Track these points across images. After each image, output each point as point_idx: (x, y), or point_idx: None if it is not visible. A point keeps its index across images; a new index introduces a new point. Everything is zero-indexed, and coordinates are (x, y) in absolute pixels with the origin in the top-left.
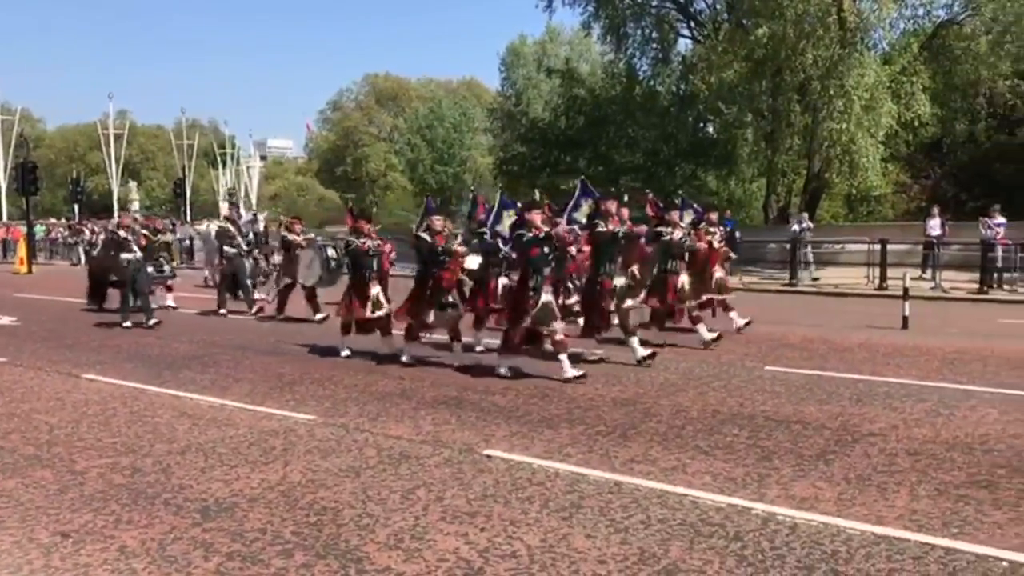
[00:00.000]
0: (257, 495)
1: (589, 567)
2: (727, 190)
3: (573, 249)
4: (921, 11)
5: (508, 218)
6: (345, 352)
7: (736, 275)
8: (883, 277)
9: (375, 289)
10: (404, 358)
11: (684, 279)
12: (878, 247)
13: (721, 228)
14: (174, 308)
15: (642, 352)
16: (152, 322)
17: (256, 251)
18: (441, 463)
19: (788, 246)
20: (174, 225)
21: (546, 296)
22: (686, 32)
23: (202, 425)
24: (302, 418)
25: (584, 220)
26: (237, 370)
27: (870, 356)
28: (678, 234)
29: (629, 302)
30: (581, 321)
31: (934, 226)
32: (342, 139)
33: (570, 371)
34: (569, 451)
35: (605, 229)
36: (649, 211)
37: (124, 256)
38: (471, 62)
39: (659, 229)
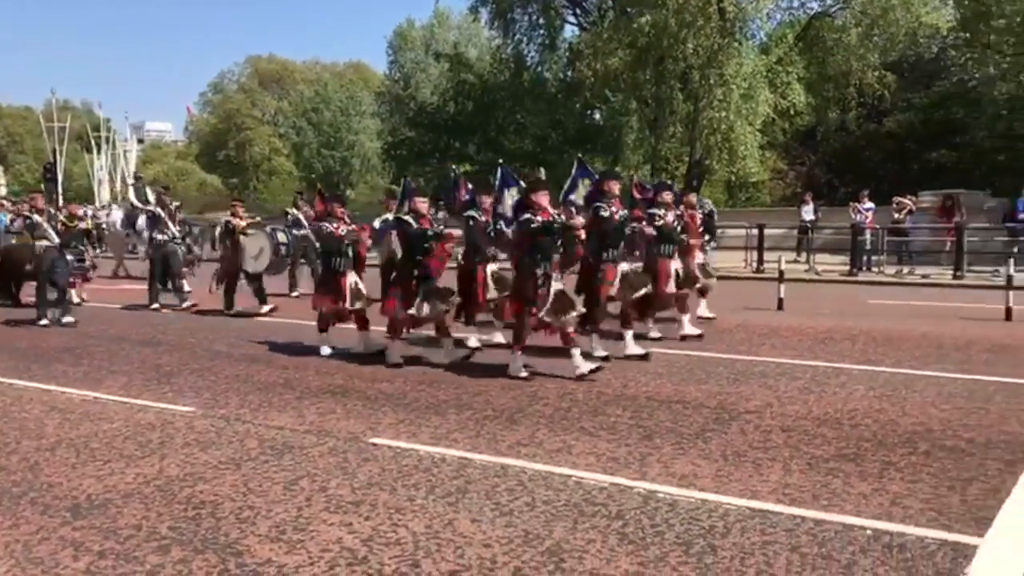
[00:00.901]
0: (132, 491)
1: (474, 551)
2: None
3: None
4: (796, 3)
5: (511, 198)
6: (326, 350)
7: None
8: (760, 260)
9: (351, 278)
10: (393, 359)
11: (678, 264)
12: (756, 232)
13: (699, 212)
14: (81, 302)
15: (637, 349)
16: (67, 319)
17: (187, 239)
18: (325, 453)
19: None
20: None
21: (557, 284)
22: (572, 19)
23: (74, 419)
24: (180, 410)
25: (582, 202)
26: (112, 362)
27: (747, 337)
28: (671, 217)
29: (643, 291)
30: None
31: (808, 211)
32: (224, 122)
33: (585, 365)
34: (456, 437)
35: (610, 212)
36: (636, 194)
37: (40, 244)
38: (358, 45)
39: (652, 212)
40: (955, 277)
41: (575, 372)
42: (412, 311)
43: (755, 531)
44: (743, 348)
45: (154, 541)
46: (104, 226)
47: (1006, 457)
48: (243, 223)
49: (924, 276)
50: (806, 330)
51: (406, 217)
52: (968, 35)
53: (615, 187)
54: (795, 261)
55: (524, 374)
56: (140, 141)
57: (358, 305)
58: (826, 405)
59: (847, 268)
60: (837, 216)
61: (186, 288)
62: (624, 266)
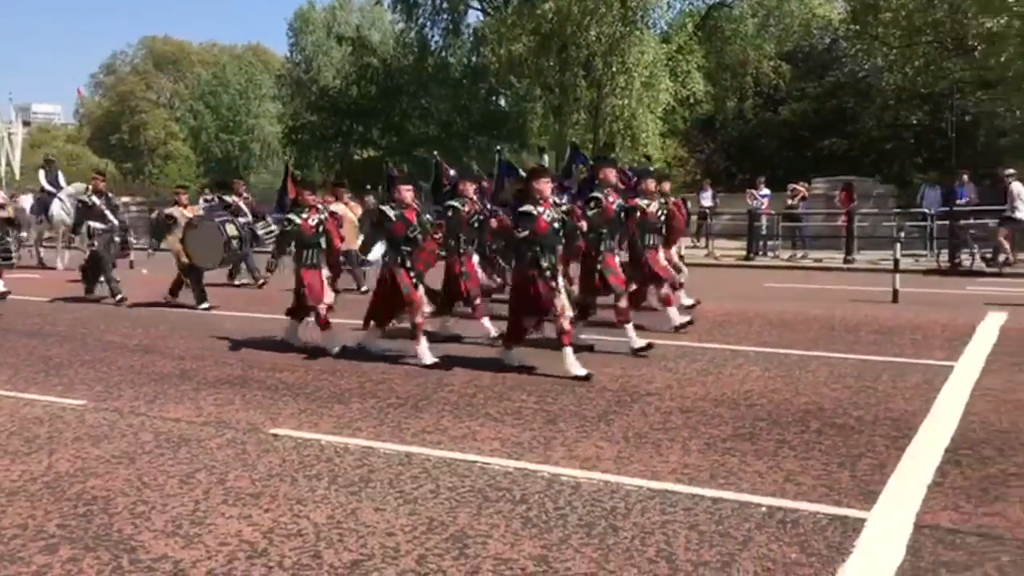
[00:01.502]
0: (17, 488)
1: (377, 540)
2: (519, 163)
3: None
4: None
5: (511, 187)
6: (298, 343)
7: None
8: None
9: (324, 271)
10: (372, 347)
11: (662, 255)
12: None
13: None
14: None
15: (640, 342)
16: None
17: (124, 230)
18: (224, 444)
19: None
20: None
21: (562, 279)
22: (476, 4)
23: None
24: (71, 403)
25: (576, 189)
26: None
27: (649, 321)
28: (654, 206)
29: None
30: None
31: (707, 198)
32: (117, 105)
33: (578, 368)
34: (360, 425)
35: (607, 201)
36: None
37: None
38: (257, 27)
39: (635, 201)
40: (846, 261)
41: (569, 371)
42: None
43: (655, 511)
44: (644, 332)
45: (41, 540)
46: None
47: (892, 434)
48: (188, 214)
49: (817, 260)
50: (705, 313)
51: (388, 209)
52: (858, 27)
53: (612, 175)
54: (694, 246)
55: (516, 363)
56: (26, 124)
57: (329, 299)
58: (724, 386)
59: (744, 253)
60: (735, 202)
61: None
62: (620, 256)
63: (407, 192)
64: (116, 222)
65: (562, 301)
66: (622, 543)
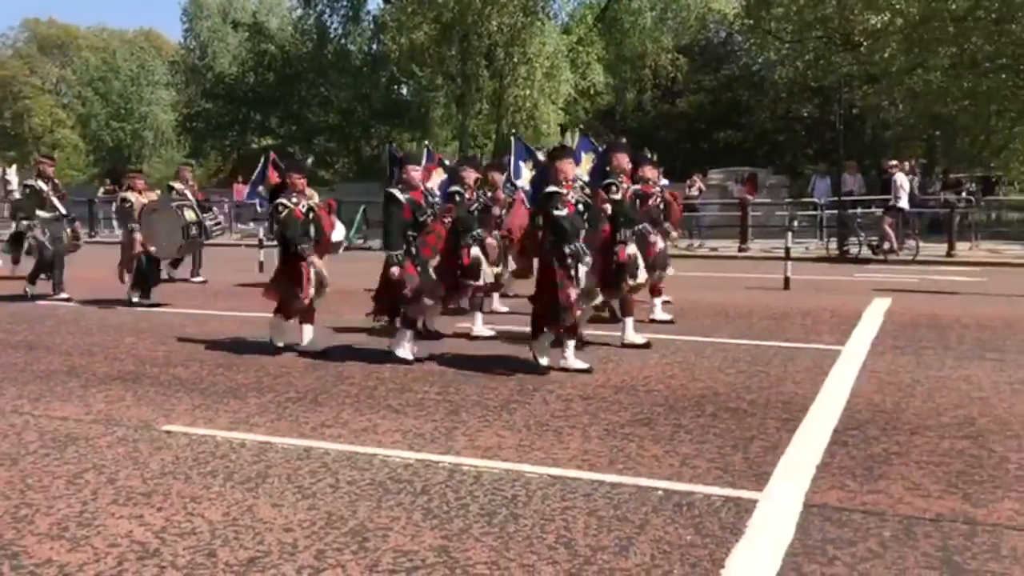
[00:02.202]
0: None
1: (274, 536)
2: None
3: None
4: None
5: (528, 171)
6: (280, 344)
7: None
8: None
9: (316, 263)
10: (401, 352)
11: (662, 245)
12: None
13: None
14: None
15: (638, 338)
16: None
17: (74, 218)
18: (114, 443)
19: None
20: None
21: (584, 267)
22: None
23: None
24: None
25: (587, 178)
26: None
27: None
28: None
29: (643, 276)
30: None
31: None
32: None
33: (577, 362)
34: (256, 421)
35: (621, 190)
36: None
37: None
38: (149, 12)
39: (651, 188)
40: (740, 250)
41: (565, 364)
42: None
43: (555, 497)
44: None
45: None
46: None
47: (783, 416)
48: (144, 200)
49: (713, 249)
50: (607, 302)
51: (396, 191)
52: (751, 22)
53: (624, 161)
54: None
55: (544, 361)
56: None
57: (322, 295)
58: (623, 373)
59: None
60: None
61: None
62: (631, 249)
63: (415, 172)
64: (63, 211)
65: (578, 292)
66: (522, 531)
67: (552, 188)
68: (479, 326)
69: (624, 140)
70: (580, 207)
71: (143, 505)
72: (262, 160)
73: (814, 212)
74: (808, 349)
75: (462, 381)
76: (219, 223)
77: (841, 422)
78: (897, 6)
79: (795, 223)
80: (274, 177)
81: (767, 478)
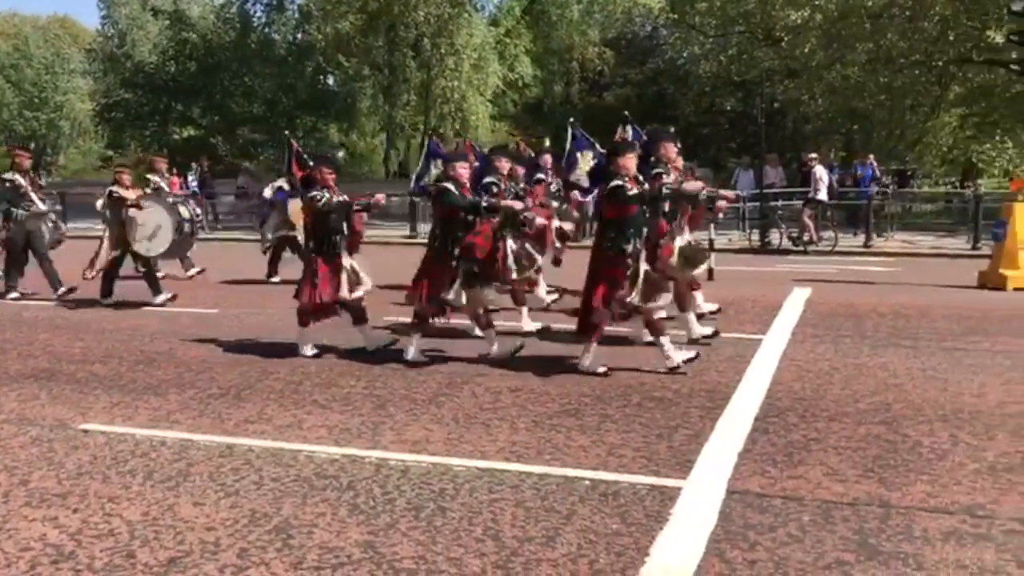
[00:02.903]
0: None
1: (196, 535)
2: (350, 143)
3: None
4: None
5: (585, 162)
6: (310, 351)
7: None
8: (412, 226)
9: (346, 260)
10: (409, 356)
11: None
12: None
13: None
14: None
15: (704, 330)
16: None
17: (54, 213)
18: (27, 443)
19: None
20: None
21: (644, 264)
22: None
23: None
24: None
25: (587, 180)
26: None
27: None
28: (669, 178)
29: (703, 266)
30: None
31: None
32: None
33: (678, 355)
34: (178, 417)
35: (672, 180)
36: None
37: None
38: None
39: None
40: None
41: (668, 364)
42: (450, 297)
43: (483, 490)
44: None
45: None
46: None
47: (707, 405)
48: (132, 194)
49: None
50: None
51: (448, 186)
52: (676, 16)
53: (672, 151)
54: None
55: (602, 369)
56: None
57: (359, 292)
58: (552, 365)
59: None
60: None
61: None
62: (680, 240)
63: (463, 170)
64: (43, 207)
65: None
66: (450, 524)
67: (617, 182)
68: (526, 321)
69: (672, 128)
70: (644, 205)
71: (58, 507)
72: (285, 153)
73: (737, 204)
74: (731, 339)
75: (389, 375)
76: (199, 219)
77: (762, 410)
78: (816, 2)
79: (719, 215)
80: (297, 170)
81: (691, 466)
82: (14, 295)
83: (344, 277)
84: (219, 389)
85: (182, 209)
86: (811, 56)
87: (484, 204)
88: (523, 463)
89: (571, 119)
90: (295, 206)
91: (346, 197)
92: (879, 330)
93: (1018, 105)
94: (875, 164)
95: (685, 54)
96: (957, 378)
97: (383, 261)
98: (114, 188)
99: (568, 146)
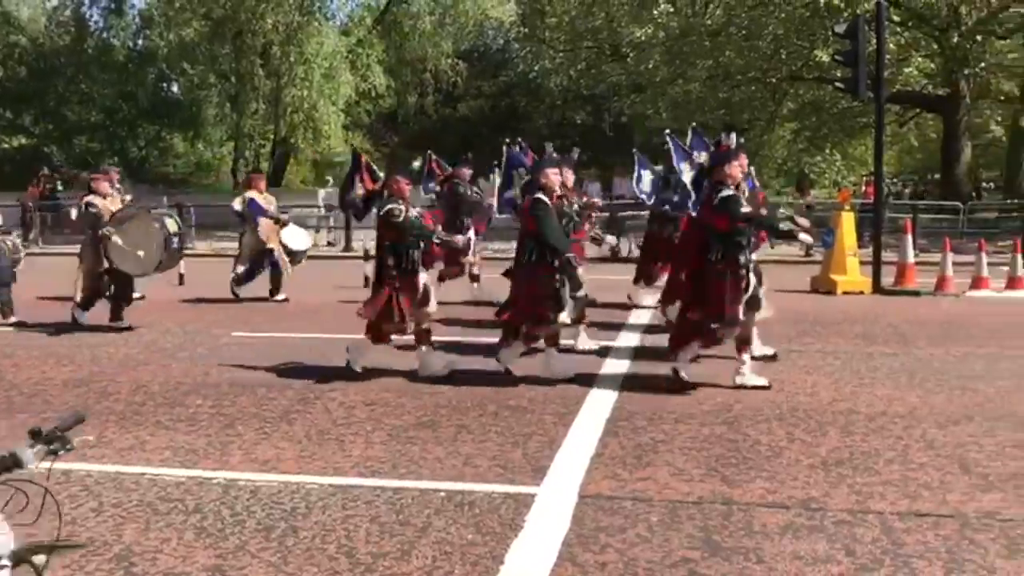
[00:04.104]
0: None
1: (25, 569)
2: (195, 153)
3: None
4: None
5: (687, 171)
6: (359, 367)
7: (206, 241)
8: (348, 240)
9: (423, 277)
10: (556, 371)
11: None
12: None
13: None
14: None
15: (766, 349)
16: None
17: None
18: None
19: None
20: None
21: (752, 277)
22: None
23: None
24: None
25: (688, 179)
26: None
27: (334, 315)
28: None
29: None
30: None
31: None
32: None
33: (755, 379)
34: (6, 444)
35: (747, 194)
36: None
37: None
38: None
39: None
40: None
41: (738, 380)
42: (564, 314)
43: (337, 507)
44: (330, 326)
45: None
46: None
47: (560, 411)
48: (111, 205)
49: (498, 249)
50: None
51: (541, 196)
52: (527, 30)
53: (744, 162)
54: None
55: (765, 382)
56: None
57: (430, 311)
58: (407, 377)
59: None
60: (418, 196)
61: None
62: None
63: (555, 176)
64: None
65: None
66: (302, 543)
67: (728, 192)
68: (584, 340)
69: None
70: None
71: None
72: (351, 163)
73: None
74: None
75: (238, 392)
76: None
77: (613, 413)
78: (660, 20)
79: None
80: (369, 182)
81: (545, 472)
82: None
83: (420, 295)
84: (53, 413)
85: (169, 223)
86: (655, 72)
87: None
88: (378, 478)
89: (667, 131)
90: (266, 223)
91: (420, 210)
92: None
93: (844, 120)
94: None
95: (536, 68)
96: (792, 378)
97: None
98: (90, 198)
99: (675, 152)
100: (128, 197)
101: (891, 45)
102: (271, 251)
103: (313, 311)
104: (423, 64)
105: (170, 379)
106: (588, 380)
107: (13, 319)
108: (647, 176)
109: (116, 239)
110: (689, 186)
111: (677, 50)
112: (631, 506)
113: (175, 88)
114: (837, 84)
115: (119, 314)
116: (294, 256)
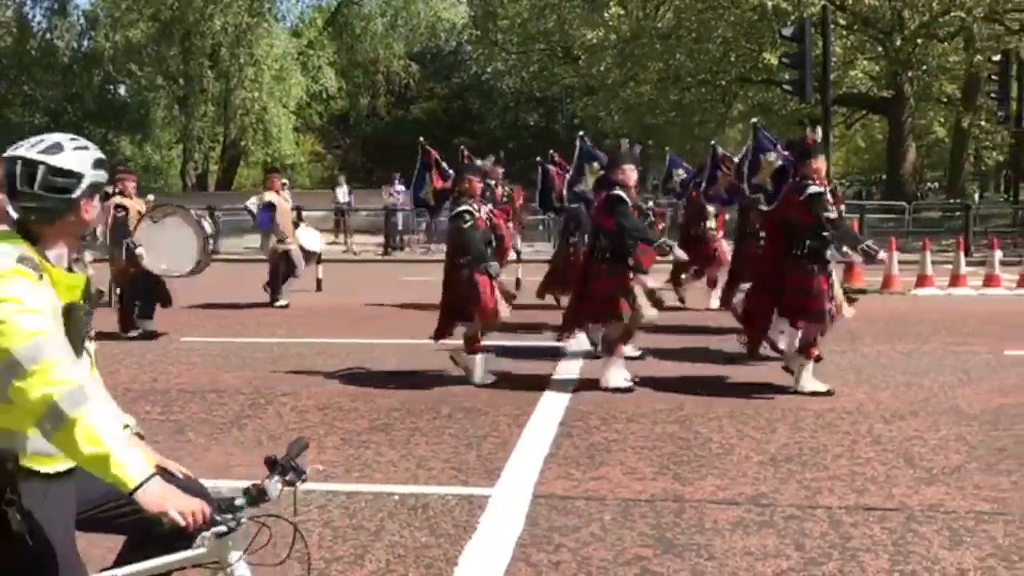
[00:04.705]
0: None
1: None
2: (144, 156)
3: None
4: None
5: (768, 165)
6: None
7: None
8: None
9: (497, 276)
10: (611, 383)
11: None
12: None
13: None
14: None
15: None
16: None
17: None
18: None
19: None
20: None
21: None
22: None
23: None
24: None
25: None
26: None
27: (286, 319)
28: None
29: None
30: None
31: (342, 193)
32: None
33: (815, 383)
34: None
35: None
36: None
37: None
38: None
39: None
40: None
41: (804, 388)
42: (643, 312)
43: (289, 512)
44: (281, 330)
45: None
46: None
47: (514, 412)
48: (139, 206)
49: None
50: (343, 309)
51: (619, 193)
52: (479, 32)
53: (822, 165)
54: (333, 242)
55: (824, 388)
56: None
57: (506, 313)
58: (360, 381)
59: (382, 248)
60: (372, 198)
61: None
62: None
63: (632, 173)
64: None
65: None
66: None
67: (815, 188)
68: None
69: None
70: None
71: None
72: (420, 158)
73: (543, 216)
74: (537, 347)
75: (187, 399)
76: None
77: (566, 414)
78: (611, 23)
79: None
80: (438, 180)
81: (499, 473)
82: None
83: (500, 294)
84: None
85: (206, 224)
86: (607, 74)
87: (664, 243)
88: (331, 482)
89: (755, 120)
90: (284, 223)
91: (490, 207)
92: (677, 333)
93: (793, 122)
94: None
95: (489, 70)
96: (741, 376)
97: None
98: (119, 200)
99: (753, 147)
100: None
101: (837, 48)
102: (288, 252)
103: (263, 315)
104: (375, 66)
105: (118, 385)
106: (542, 382)
107: None
108: (679, 174)
109: (151, 238)
110: (765, 182)
111: (628, 53)
112: (584, 505)
113: (122, 90)
114: (785, 86)
115: (139, 321)
116: (308, 257)
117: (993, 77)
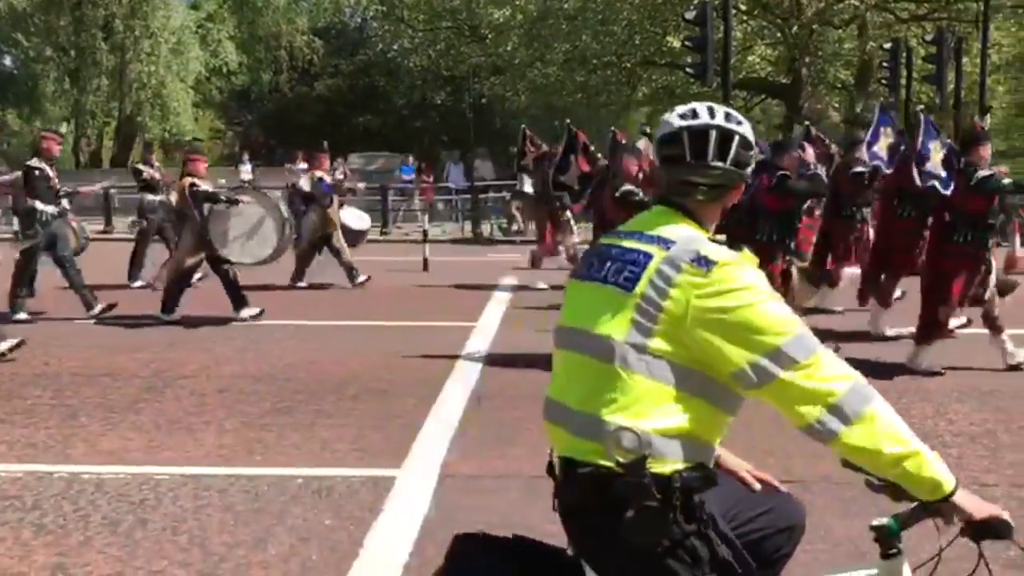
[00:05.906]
0: None
1: None
2: (33, 131)
3: None
4: None
5: (936, 154)
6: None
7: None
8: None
9: None
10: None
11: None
12: None
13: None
14: None
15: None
16: None
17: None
18: None
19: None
20: None
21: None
22: None
23: None
24: None
25: (886, 156)
26: None
27: (184, 300)
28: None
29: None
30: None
31: (245, 171)
32: None
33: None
34: None
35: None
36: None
37: None
38: None
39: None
40: (382, 234)
41: (1009, 361)
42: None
43: (189, 497)
44: (179, 311)
45: None
46: None
47: (423, 393)
48: (208, 186)
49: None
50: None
51: (786, 172)
52: (385, 8)
53: (987, 151)
54: None
55: (939, 368)
56: None
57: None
58: (263, 363)
59: None
60: (275, 176)
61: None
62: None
63: (801, 159)
64: (67, 206)
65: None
66: (151, 536)
67: (985, 172)
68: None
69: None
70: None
71: None
72: (565, 140)
73: (449, 197)
74: (444, 327)
75: (81, 383)
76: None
77: (474, 394)
78: (518, 3)
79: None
80: (584, 164)
81: (406, 454)
82: (21, 316)
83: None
84: None
85: (283, 207)
86: (514, 54)
87: None
88: (231, 466)
89: (881, 101)
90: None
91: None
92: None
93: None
94: None
95: (395, 47)
96: None
97: None
98: (194, 180)
99: (920, 135)
100: (152, 174)
101: (738, 33)
102: (331, 236)
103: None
104: (277, 41)
105: (4, 370)
106: (449, 362)
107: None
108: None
109: (224, 223)
110: (938, 169)
111: (535, 33)
112: (491, 484)
113: (7, 61)
114: (687, 70)
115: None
116: (356, 237)
117: (884, 64)
